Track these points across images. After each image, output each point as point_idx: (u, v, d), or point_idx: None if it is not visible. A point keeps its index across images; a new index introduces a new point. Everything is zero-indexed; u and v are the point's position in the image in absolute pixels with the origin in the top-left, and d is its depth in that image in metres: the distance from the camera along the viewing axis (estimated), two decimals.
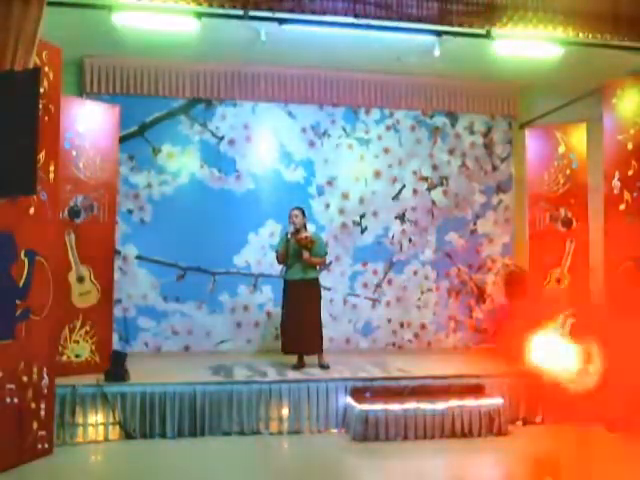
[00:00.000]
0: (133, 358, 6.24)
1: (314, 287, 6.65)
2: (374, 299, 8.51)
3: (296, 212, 6.67)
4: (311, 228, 7.27)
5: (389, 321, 8.50)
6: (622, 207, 5.84)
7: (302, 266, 6.57)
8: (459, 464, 5.13)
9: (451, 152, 8.78)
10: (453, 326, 8.68)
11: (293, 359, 6.64)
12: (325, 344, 6.77)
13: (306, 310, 6.50)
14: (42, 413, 4.98)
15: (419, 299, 8.61)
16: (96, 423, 5.48)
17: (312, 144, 8.43)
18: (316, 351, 6.59)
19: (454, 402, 5.74)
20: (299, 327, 6.45)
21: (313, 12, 5.45)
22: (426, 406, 5.68)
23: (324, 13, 5.47)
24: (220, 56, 7.72)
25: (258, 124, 8.29)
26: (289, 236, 6.56)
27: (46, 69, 4.97)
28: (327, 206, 8.41)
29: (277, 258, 6.78)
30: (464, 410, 5.72)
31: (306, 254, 6.51)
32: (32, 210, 4.87)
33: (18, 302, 4.77)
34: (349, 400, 5.80)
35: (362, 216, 8.54)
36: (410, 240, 8.64)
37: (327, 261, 7.23)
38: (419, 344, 8.55)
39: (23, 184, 4.41)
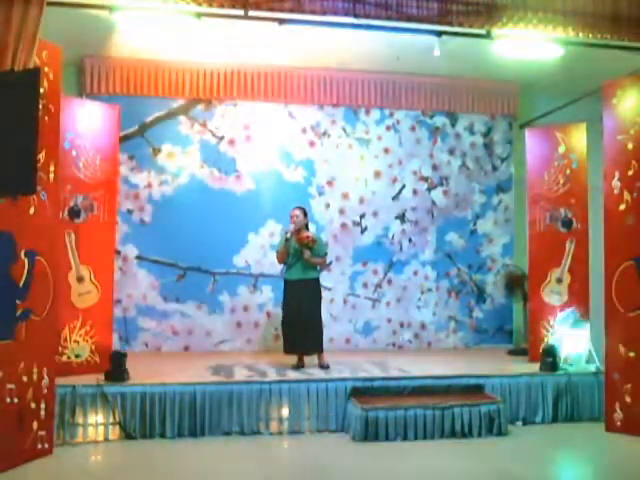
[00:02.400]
0: (133, 358, 6.23)
1: (314, 287, 6.64)
2: (374, 299, 8.52)
3: (297, 212, 6.66)
4: (311, 228, 7.26)
5: (389, 321, 8.51)
6: (622, 207, 5.83)
7: (302, 266, 6.56)
8: (459, 464, 5.12)
9: (451, 152, 8.79)
10: (453, 326, 8.68)
11: (293, 359, 6.64)
12: (325, 344, 6.76)
13: (306, 310, 6.48)
14: (42, 413, 4.97)
15: (419, 299, 8.62)
16: (96, 423, 5.48)
17: (312, 144, 8.43)
18: (316, 351, 6.58)
19: (454, 402, 5.74)
20: (299, 327, 6.44)
21: (313, 12, 5.44)
22: (426, 406, 5.67)
23: (324, 13, 5.46)
24: (220, 56, 7.73)
25: (258, 124, 8.29)
26: (289, 235, 6.55)
27: (46, 69, 4.96)
28: (327, 206, 8.41)
29: (277, 258, 6.77)
30: (464, 410, 5.71)
31: (307, 253, 6.50)
32: (32, 210, 4.86)
33: (18, 302, 4.76)
34: (349, 400, 5.80)
35: (362, 216, 8.55)
36: (410, 240, 8.64)
37: (327, 261, 7.19)
38: (419, 344, 8.56)
39: (23, 184, 4.42)
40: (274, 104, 8.30)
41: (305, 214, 6.72)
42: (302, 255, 6.51)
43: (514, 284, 8.15)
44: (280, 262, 6.77)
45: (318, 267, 6.77)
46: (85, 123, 6.30)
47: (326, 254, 6.82)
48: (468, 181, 8.83)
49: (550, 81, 7.97)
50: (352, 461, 5.21)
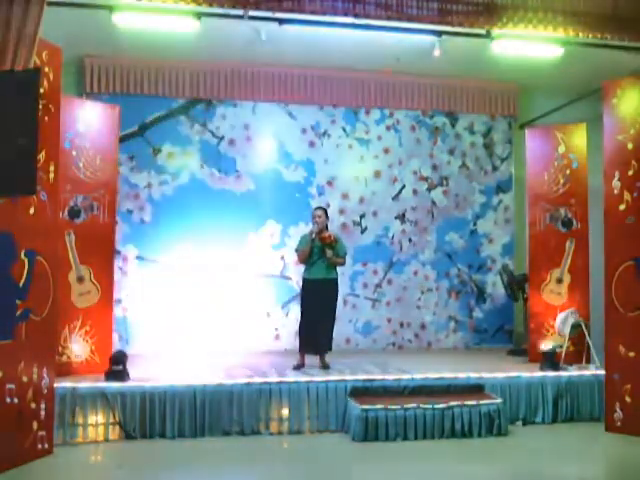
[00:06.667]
0: (133, 358, 6.23)
1: (334, 287, 6.65)
2: (374, 299, 8.51)
3: (319, 212, 6.68)
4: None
5: (389, 321, 8.51)
6: (622, 207, 5.82)
7: (324, 266, 6.56)
8: (459, 464, 5.12)
9: (451, 152, 8.79)
10: (453, 326, 8.68)
11: (293, 359, 6.63)
12: None
13: (326, 310, 6.51)
14: (42, 413, 4.97)
15: (419, 299, 8.62)
16: (96, 423, 5.47)
17: (312, 144, 8.44)
18: (326, 351, 6.59)
19: (454, 402, 5.74)
20: (317, 327, 6.45)
21: (313, 12, 5.44)
22: (426, 406, 5.67)
23: (324, 13, 5.46)
24: (220, 56, 7.73)
25: (258, 124, 8.30)
26: (313, 235, 6.55)
27: (46, 69, 4.96)
28: (327, 206, 8.38)
29: (298, 257, 6.74)
30: (464, 410, 5.71)
31: (329, 253, 6.51)
32: (32, 210, 4.86)
33: (18, 302, 4.76)
34: (349, 400, 5.80)
35: (362, 216, 8.55)
36: (410, 240, 8.64)
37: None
38: (419, 344, 8.56)
39: (23, 184, 4.41)
40: (274, 104, 8.30)
41: (326, 214, 6.74)
42: (324, 254, 6.51)
43: (511, 284, 8.12)
44: (301, 262, 6.74)
45: (337, 267, 6.73)
46: (85, 123, 6.30)
47: (346, 254, 6.79)
48: (468, 181, 8.83)
49: (550, 81, 7.97)
50: (352, 461, 5.21)
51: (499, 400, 5.87)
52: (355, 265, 8.43)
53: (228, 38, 6.89)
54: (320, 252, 6.54)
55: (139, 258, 7.93)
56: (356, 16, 5.49)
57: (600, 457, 5.44)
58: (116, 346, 7.01)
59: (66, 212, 6.14)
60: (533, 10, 5.65)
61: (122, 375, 5.73)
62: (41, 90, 4.69)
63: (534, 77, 8.01)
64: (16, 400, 4.73)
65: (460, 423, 5.68)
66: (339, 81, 8.35)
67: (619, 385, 5.76)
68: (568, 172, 7.25)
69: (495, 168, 8.92)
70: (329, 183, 8.47)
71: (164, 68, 7.91)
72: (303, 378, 6.01)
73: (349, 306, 8.40)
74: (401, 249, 8.62)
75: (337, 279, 6.69)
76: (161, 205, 8.03)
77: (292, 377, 6.06)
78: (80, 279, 6.25)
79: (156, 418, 5.57)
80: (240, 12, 5.52)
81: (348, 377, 6.06)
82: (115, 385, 5.60)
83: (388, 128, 8.64)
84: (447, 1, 5.54)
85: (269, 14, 5.59)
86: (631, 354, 5.71)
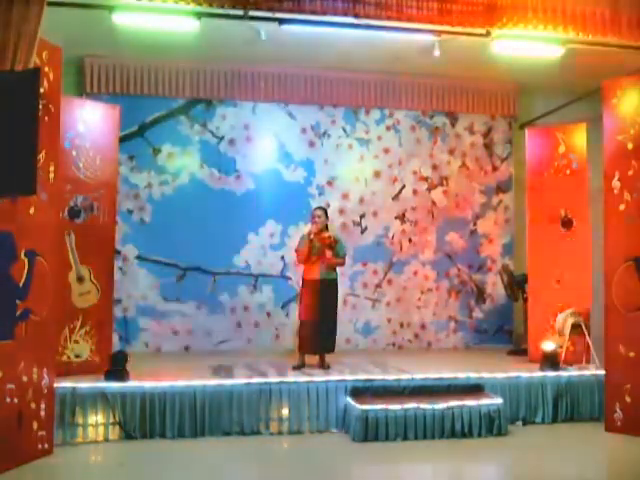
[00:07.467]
0: (133, 358, 6.23)
1: (334, 287, 6.64)
2: (374, 299, 8.51)
3: (319, 212, 6.67)
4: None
5: (389, 321, 8.51)
6: (622, 207, 5.83)
7: (324, 266, 6.57)
8: (459, 464, 5.12)
9: (451, 152, 8.79)
10: (453, 326, 8.68)
11: (293, 359, 6.63)
12: None
13: (326, 310, 6.50)
14: (42, 413, 4.98)
15: (419, 299, 8.62)
16: (96, 423, 5.48)
17: (312, 144, 8.43)
18: (330, 351, 6.59)
19: (454, 402, 5.74)
20: (318, 327, 6.44)
21: (313, 12, 5.43)
22: (426, 406, 5.67)
23: (324, 13, 5.45)
24: (220, 56, 7.73)
25: (258, 124, 8.30)
26: (312, 236, 6.55)
27: (46, 69, 4.96)
28: (327, 206, 8.38)
29: (297, 257, 6.74)
30: (464, 410, 5.71)
31: (328, 253, 6.51)
32: (32, 210, 4.86)
33: (18, 302, 4.76)
34: (349, 400, 5.80)
35: (362, 216, 8.55)
36: (410, 240, 8.64)
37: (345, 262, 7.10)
38: (419, 344, 8.56)
39: (23, 184, 4.41)
40: (274, 104, 8.30)
41: (326, 215, 6.73)
42: (324, 255, 6.50)
43: (511, 284, 8.12)
44: (300, 262, 6.74)
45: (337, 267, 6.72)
46: (85, 123, 6.30)
47: (345, 254, 6.78)
48: (468, 181, 8.82)
49: (550, 81, 7.97)
50: (352, 461, 5.21)
51: (499, 400, 5.87)
52: (355, 265, 8.43)
53: (228, 38, 6.88)
54: (319, 252, 6.54)
55: (139, 258, 7.93)
56: (356, 16, 5.48)
57: (600, 457, 5.44)
58: (116, 346, 7.02)
59: (66, 212, 6.14)
60: (533, 10, 5.64)
61: (122, 375, 5.73)
62: (41, 90, 4.69)
63: (534, 77, 8.01)
64: (16, 400, 4.73)
65: (460, 423, 5.68)
66: (339, 81, 8.35)
67: (619, 385, 5.76)
68: (568, 172, 7.26)
69: (495, 168, 8.91)
70: (329, 183, 8.47)
71: (164, 68, 7.91)
72: (303, 378, 6.02)
73: (349, 306, 8.39)
74: (401, 249, 8.62)
75: (337, 279, 6.69)
76: (161, 205, 8.02)
77: (292, 377, 6.06)
78: (80, 279, 6.25)
79: (156, 418, 5.57)
80: (240, 12, 5.51)
81: (348, 377, 6.06)
82: (115, 385, 5.60)
83: (388, 128, 8.64)
84: (447, 1, 5.52)
85: (269, 14, 5.57)
86: (631, 354, 5.71)
